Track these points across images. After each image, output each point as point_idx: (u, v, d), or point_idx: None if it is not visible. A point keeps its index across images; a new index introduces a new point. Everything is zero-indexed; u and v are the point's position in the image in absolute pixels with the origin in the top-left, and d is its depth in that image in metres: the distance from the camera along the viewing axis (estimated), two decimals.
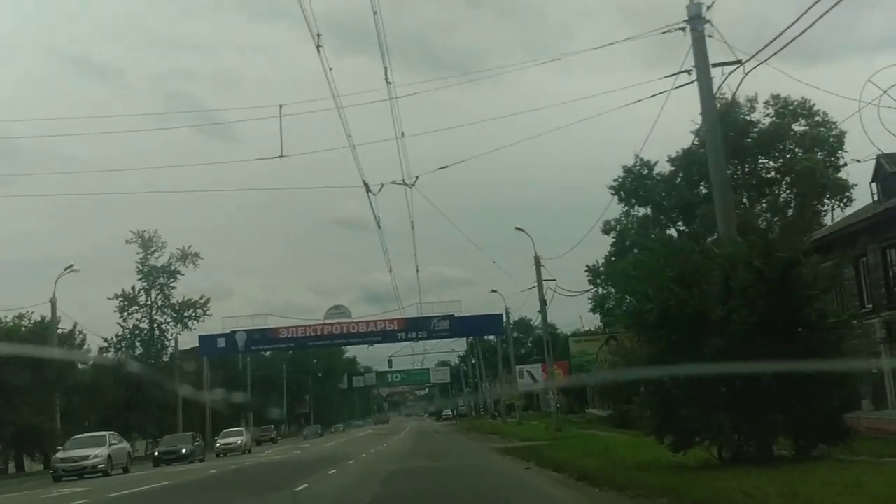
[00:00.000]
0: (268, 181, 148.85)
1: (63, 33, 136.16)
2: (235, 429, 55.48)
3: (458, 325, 71.29)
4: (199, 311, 62.76)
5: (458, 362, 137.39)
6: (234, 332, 69.31)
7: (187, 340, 69.91)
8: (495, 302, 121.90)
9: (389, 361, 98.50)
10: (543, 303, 42.47)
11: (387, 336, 71.15)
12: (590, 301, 58.09)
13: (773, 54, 16.77)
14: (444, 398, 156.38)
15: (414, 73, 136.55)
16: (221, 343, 69.67)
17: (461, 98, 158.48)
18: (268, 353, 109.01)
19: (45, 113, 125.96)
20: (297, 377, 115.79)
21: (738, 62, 18.05)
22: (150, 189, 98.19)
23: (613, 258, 56.36)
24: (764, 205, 41.14)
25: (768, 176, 41.43)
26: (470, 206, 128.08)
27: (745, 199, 40.25)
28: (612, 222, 56.08)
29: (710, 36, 18.14)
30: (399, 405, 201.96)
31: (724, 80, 18.52)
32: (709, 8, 18.17)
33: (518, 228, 43.18)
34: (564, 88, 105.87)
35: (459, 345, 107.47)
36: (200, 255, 62.44)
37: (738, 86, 19.40)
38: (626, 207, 44.47)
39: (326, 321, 70.58)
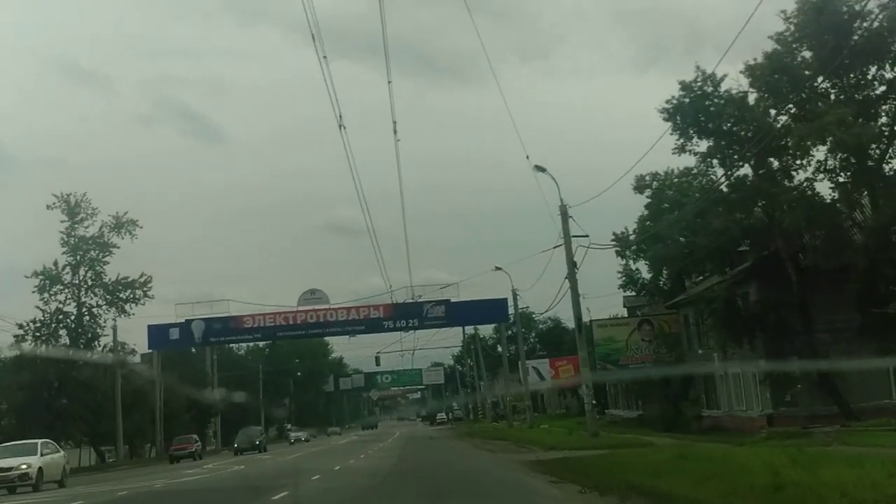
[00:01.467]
0: (257, 186, 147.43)
1: (51, 39, 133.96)
2: (22, 442, 31.05)
3: (456, 312, 60.34)
4: (139, 291, 51.31)
5: (451, 363, 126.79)
6: (189, 322, 58.39)
7: (139, 336, 58.76)
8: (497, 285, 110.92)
9: (377, 358, 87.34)
10: (573, 265, 31.53)
11: (372, 325, 60.06)
12: (619, 276, 47.19)
13: None
14: (437, 400, 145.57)
15: (406, 76, 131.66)
16: (174, 334, 58.75)
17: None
18: (241, 350, 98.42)
19: (33, 118, 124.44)
20: (276, 378, 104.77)
21: None
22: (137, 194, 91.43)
23: (648, 223, 45.64)
24: (882, 124, 30.26)
25: (878, 92, 30.70)
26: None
27: (850, 119, 29.46)
28: (647, 177, 45.40)
29: None
30: (391, 409, 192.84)
31: None
32: None
33: (538, 168, 32.25)
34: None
35: (455, 340, 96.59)
36: (139, 223, 51.05)
37: None
38: (681, 140, 33.29)
39: (300, 308, 59.60)
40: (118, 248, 50.19)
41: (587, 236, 31.73)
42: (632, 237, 47.03)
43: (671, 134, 32.37)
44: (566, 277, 32.38)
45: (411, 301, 59.28)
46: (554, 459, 22.08)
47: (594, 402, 32.38)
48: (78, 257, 49.23)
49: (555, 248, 32.47)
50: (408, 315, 60.05)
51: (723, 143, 32.00)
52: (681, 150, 32.87)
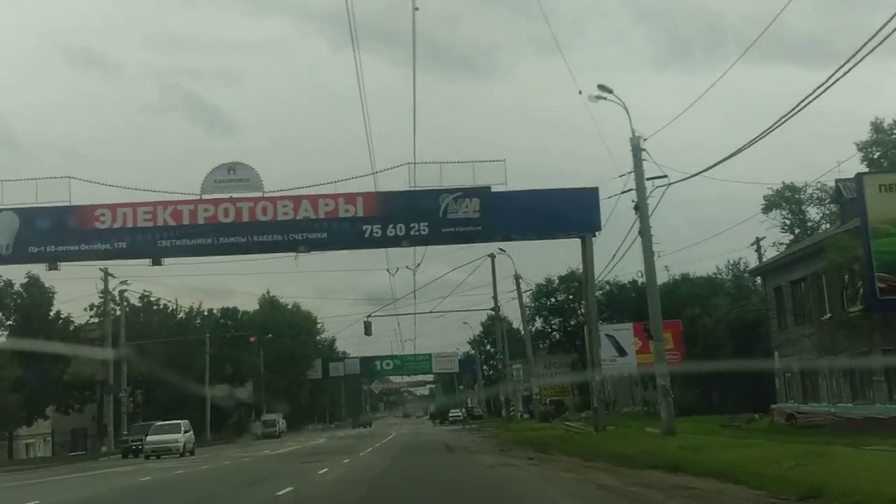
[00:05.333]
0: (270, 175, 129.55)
1: (62, 24, 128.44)
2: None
3: (498, 212, 31.33)
4: None
5: (468, 349, 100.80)
6: None
7: None
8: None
9: (366, 325, 58.82)
10: None
11: (342, 232, 31.18)
12: None
13: None
14: (449, 395, 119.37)
15: (420, 69, 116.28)
16: None
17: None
18: (180, 313, 70.55)
19: (43, 104, 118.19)
20: (233, 354, 77.53)
21: None
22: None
23: None
24: None
25: None
26: None
27: None
28: None
29: None
30: (396, 405, 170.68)
31: None
32: None
33: None
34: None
35: (483, 293, 69.46)
36: None
37: None
38: None
39: (205, 196, 31.21)
40: None
41: None
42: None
43: None
44: None
45: (417, 189, 30.97)
46: None
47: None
48: None
49: None
50: (409, 217, 31.28)
51: None
52: None
